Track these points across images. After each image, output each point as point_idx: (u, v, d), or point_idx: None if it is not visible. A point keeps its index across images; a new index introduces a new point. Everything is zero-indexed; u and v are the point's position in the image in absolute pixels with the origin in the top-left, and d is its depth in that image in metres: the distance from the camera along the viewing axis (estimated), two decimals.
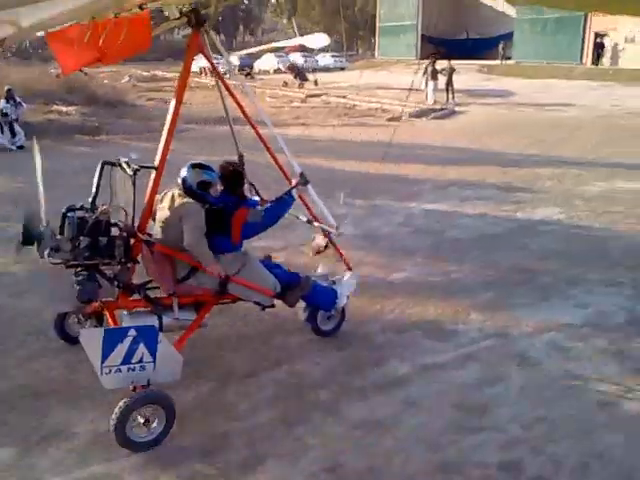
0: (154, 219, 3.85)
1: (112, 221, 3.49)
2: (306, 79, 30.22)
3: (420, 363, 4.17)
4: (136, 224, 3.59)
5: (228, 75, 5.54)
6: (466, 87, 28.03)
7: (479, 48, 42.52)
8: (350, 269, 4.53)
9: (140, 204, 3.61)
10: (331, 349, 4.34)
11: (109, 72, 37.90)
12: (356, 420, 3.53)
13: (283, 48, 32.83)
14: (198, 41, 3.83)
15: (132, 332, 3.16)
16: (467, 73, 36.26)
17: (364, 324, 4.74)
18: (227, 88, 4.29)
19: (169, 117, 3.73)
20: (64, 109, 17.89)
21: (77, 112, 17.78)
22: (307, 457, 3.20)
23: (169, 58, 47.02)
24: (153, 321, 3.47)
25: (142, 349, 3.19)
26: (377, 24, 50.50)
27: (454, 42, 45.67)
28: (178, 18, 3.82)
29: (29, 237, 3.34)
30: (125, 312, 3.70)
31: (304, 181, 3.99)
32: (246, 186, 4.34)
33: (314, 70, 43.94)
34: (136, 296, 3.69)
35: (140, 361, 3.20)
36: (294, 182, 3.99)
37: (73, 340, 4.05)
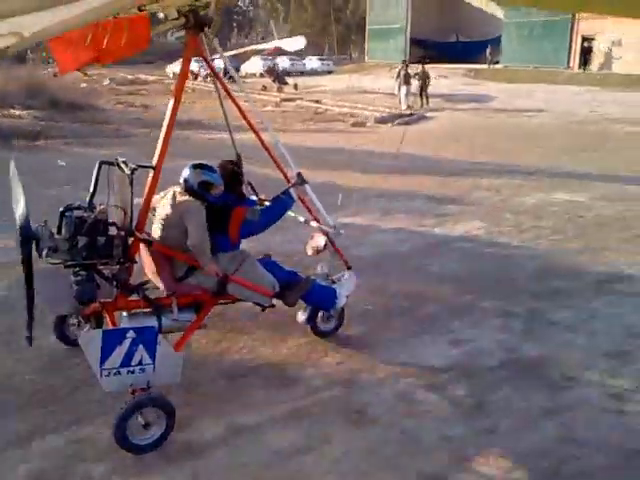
0: (154, 214, 3.81)
1: (110, 220, 3.44)
2: (285, 83, 29.68)
3: (238, 423, 3.47)
4: (134, 223, 3.50)
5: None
6: (446, 92, 27.47)
7: (469, 51, 41.73)
8: (349, 268, 4.46)
9: (137, 203, 3.49)
10: None
11: (90, 75, 37.63)
12: None
13: (262, 51, 32.24)
14: (196, 43, 3.74)
15: (131, 333, 3.14)
16: (453, 77, 35.76)
17: (200, 367, 4.06)
18: (226, 91, 4.25)
19: (167, 117, 3.65)
20: (17, 113, 17.30)
21: (30, 116, 17.21)
22: None
23: (160, 60, 46.54)
24: (152, 322, 3.42)
25: (141, 351, 3.16)
26: (366, 27, 49.99)
27: (444, 45, 45.03)
28: (176, 19, 3.69)
29: (27, 237, 3.17)
30: (124, 313, 3.63)
31: (301, 181, 3.99)
32: (244, 185, 4.34)
33: (302, 73, 43.70)
34: (134, 296, 3.61)
35: (139, 363, 3.17)
36: (292, 182, 4.01)
37: (73, 343, 3.99)
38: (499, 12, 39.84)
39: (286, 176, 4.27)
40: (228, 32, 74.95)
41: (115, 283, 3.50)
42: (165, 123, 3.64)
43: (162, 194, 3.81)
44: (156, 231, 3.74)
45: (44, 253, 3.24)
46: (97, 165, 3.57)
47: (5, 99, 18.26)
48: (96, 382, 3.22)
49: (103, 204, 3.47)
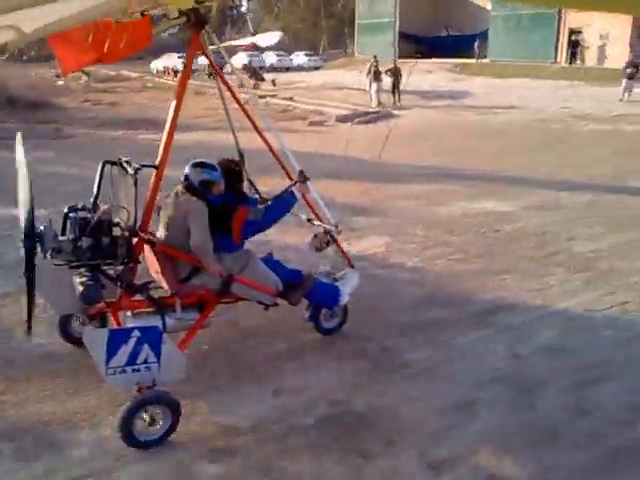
0: (158, 214, 3.78)
1: (114, 221, 3.43)
2: (262, 79, 28.99)
3: None
4: (138, 223, 3.48)
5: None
6: (426, 88, 26.73)
7: (460, 46, 40.64)
8: (352, 266, 4.50)
9: (141, 203, 3.46)
10: None
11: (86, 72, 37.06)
12: None
13: (240, 46, 31.52)
14: (198, 41, 3.76)
15: (136, 333, 3.16)
16: (438, 72, 34.96)
17: None
18: (229, 89, 4.26)
19: (169, 117, 3.64)
20: None
21: None
22: None
23: (150, 56, 45.90)
24: (157, 322, 3.45)
25: (146, 350, 3.18)
26: (356, 21, 49.17)
27: (434, 40, 44.10)
28: (177, 17, 3.72)
29: (31, 238, 3.15)
30: (128, 313, 3.62)
31: (304, 178, 4.04)
32: (246, 184, 4.34)
33: (288, 69, 42.99)
34: (138, 296, 3.61)
35: (145, 362, 3.20)
36: (294, 180, 4.06)
37: (78, 342, 3.92)
38: (489, 5, 38.94)
39: (288, 174, 4.30)
40: (222, 28, 74.26)
41: (119, 283, 3.51)
42: (167, 123, 3.64)
43: (166, 193, 3.76)
44: (160, 231, 3.72)
45: (48, 254, 3.24)
46: (100, 165, 3.57)
47: None
48: None
49: (107, 204, 3.46)
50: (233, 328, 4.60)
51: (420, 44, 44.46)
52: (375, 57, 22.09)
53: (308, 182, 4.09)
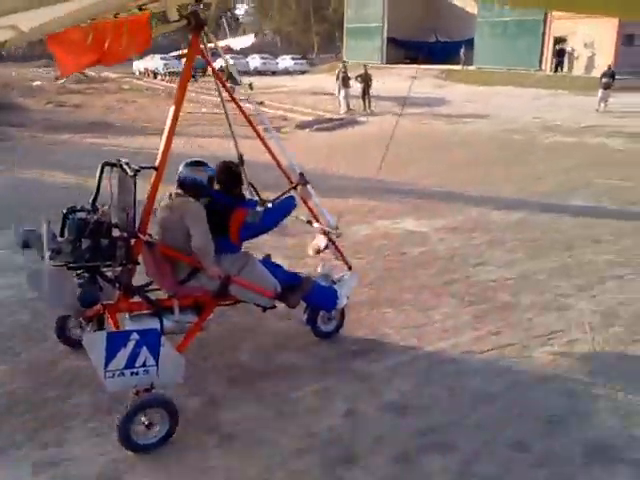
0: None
1: (113, 222, 3.43)
2: (237, 83, 28.42)
3: None
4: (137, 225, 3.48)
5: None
6: (403, 94, 26.13)
7: (449, 52, 40.09)
8: (350, 268, 4.52)
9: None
10: None
11: (47, 73, 36.53)
12: None
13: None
14: (198, 43, 3.79)
15: (135, 336, 3.15)
16: (423, 79, 34.43)
17: None
18: (228, 91, 4.32)
19: (169, 118, 3.65)
20: None
21: None
22: None
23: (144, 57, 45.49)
24: (155, 324, 3.44)
25: (145, 353, 3.17)
26: (344, 26, 48.73)
27: (423, 45, 43.53)
28: (178, 20, 3.78)
29: (29, 240, 3.24)
30: (127, 315, 3.60)
31: (304, 181, 4.05)
32: (245, 187, 4.33)
33: (274, 73, 42.50)
34: (136, 298, 3.61)
35: (143, 365, 3.19)
36: (294, 182, 4.11)
37: (75, 344, 4.05)
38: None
39: (288, 177, 4.32)
40: (215, 30, 73.95)
41: (118, 285, 3.51)
42: (166, 127, 3.63)
43: (160, 196, 3.69)
44: (157, 234, 3.68)
45: (47, 255, 3.21)
46: (100, 167, 3.56)
47: None
48: None
49: (106, 206, 3.45)
50: None
51: (409, 49, 43.98)
52: (344, 63, 21.62)
53: (308, 185, 4.08)
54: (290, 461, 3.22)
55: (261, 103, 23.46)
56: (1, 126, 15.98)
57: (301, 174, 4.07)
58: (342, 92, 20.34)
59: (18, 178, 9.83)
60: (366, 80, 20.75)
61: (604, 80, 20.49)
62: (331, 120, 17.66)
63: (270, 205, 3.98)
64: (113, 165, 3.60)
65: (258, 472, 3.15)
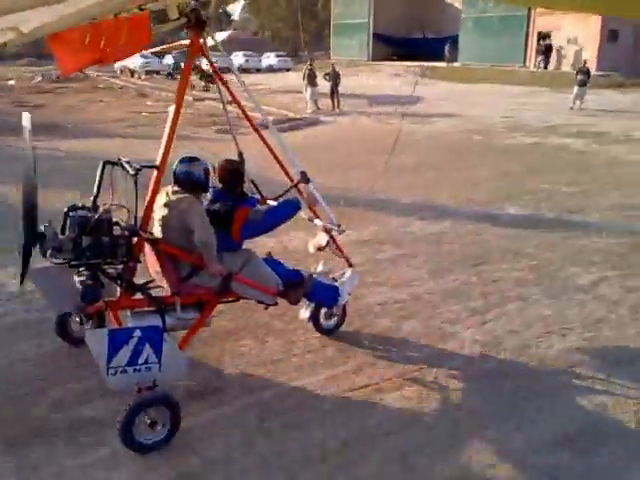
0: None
1: (114, 220, 3.40)
2: (211, 82, 27.86)
3: None
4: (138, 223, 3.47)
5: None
6: (378, 93, 25.61)
7: (436, 48, 39.35)
8: (351, 266, 4.53)
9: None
10: None
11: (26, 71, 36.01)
12: None
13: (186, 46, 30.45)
14: (199, 42, 3.77)
15: (137, 333, 3.15)
16: (407, 76, 33.90)
17: None
18: (229, 90, 4.26)
19: (170, 117, 3.65)
20: None
21: None
22: None
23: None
24: (156, 321, 3.45)
25: (147, 350, 3.17)
26: (331, 22, 48.11)
27: (410, 42, 42.92)
28: (178, 18, 3.78)
29: (31, 237, 3.20)
30: (128, 312, 3.60)
31: (306, 180, 4.07)
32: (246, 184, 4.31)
33: (258, 70, 41.85)
34: (138, 295, 3.63)
35: (146, 362, 3.19)
36: (295, 181, 4.15)
37: (75, 341, 4.14)
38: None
39: (289, 175, 4.33)
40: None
41: (119, 282, 3.50)
42: (167, 126, 3.63)
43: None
44: (155, 232, 3.66)
45: (48, 253, 3.22)
46: (101, 165, 3.55)
47: None
48: None
49: (107, 203, 3.42)
50: None
51: (396, 46, 43.34)
52: (311, 60, 20.98)
53: (310, 183, 4.10)
54: None
55: (230, 102, 22.93)
56: None
57: (303, 172, 4.09)
58: (309, 91, 19.76)
59: None
60: (334, 78, 20.17)
61: (579, 77, 19.90)
62: (291, 120, 17.07)
63: (272, 202, 4.13)
64: (114, 164, 3.58)
65: None
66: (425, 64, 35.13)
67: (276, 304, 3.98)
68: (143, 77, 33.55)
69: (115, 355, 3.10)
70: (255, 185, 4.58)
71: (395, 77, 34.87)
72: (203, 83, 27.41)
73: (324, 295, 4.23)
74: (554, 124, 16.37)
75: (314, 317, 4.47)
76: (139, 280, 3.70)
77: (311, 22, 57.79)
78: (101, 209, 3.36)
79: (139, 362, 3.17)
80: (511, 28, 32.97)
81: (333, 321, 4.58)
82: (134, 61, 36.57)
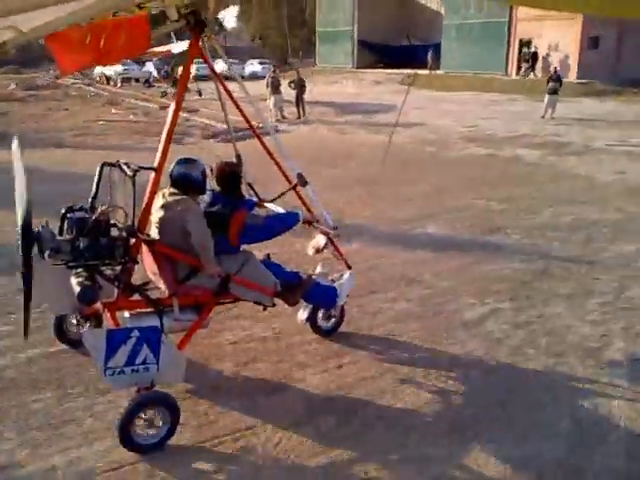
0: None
1: (112, 221, 3.41)
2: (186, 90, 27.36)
3: None
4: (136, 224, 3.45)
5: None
6: (347, 101, 25.16)
7: (421, 55, 38.93)
8: (349, 267, 4.57)
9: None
10: None
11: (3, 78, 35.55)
12: None
13: (158, 53, 29.99)
14: (198, 44, 3.79)
15: (135, 333, 3.19)
16: (387, 84, 33.63)
17: None
18: (228, 93, 4.30)
19: (169, 120, 3.64)
20: None
21: None
22: None
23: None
24: (155, 322, 3.44)
25: (145, 350, 3.20)
26: (316, 29, 47.78)
27: (395, 49, 42.54)
28: (177, 20, 3.74)
29: (29, 238, 3.10)
30: (126, 313, 3.60)
31: (303, 182, 4.16)
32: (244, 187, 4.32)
33: (242, 77, 41.44)
34: (136, 297, 3.59)
35: (144, 362, 3.21)
36: (293, 183, 4.25)
37: (73, 343, 4.18)
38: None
39: (287, 177, 4.37)
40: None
41: (117, 283, 3.48)
42: (165, 129, 3.62)
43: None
44: (152, 234, 3.64)
45: (46, 254, 3.20)
46: (99, 167, 3.59)
47: None
48: None
49: (105, 205, 3.42)
50: None
51: (380, 53, 42.95)
52: (274, 67, 20.52)
53: (307, 186, 4.14)
54: None
55: (196, 111, 22.44)
56: None
57: (300, 175, 4.12)
58: (272, 99, 19.25)
59: None
60: (300, 85, 19.70)
61: (550, 85, 19.35)
62: (244, 130, 16.52)
63: (269, 205, 4.23)
64: (112, 165, 3.58)
65: None
66: (408, 71, 34.68)
67: (274, 305, 3.98)
68: (119, 85, 33.05)
69: (113, 355, 3.13)
70: (252, 188, 4.61)
71: (376, 85, 34.48)
72: (174, 91, 27.10)
73: (322, 296, 4.25)
74: (519, 134, 15.83)
75: (312, 319, 4.50)
76: (136, 282, 3.66)
77: (301, 30, 57.49)
78: (99, 210, 3.34)
79: (137, 362, 3.19)
80: (492, 35, 32.57)
81: (331, 322, 4.61)
82: (112, 68, 36.16)
